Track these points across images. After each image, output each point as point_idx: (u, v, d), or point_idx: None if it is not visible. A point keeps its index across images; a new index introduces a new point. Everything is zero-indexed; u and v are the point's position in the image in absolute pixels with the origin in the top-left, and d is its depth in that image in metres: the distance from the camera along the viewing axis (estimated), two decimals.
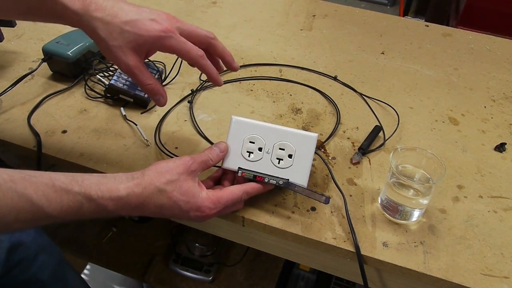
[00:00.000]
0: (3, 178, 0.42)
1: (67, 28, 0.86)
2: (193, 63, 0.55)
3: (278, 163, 0.54)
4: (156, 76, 0.75)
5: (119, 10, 0.50)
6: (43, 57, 0.75)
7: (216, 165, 0.56)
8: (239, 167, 0.55)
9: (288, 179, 0.54)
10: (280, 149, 0.54)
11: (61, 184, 0.44)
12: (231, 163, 0.55)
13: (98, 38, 0.51)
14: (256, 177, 0.54)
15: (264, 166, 0.55)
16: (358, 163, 0.65)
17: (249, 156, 0.55)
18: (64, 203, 0.44)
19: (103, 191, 0.46)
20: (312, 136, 0.54)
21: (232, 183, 0.56)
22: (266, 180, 0.54)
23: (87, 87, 0.75)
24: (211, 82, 0.58)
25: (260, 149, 0.55)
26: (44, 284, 0.71)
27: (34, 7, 0.52)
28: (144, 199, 0.48)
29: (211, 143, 0.67)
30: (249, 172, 0.55)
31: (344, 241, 0.54)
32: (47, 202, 0.43)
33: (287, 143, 0.54)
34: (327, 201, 0.54)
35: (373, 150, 0.67)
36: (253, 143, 0.55)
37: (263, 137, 0.55)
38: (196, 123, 0.70)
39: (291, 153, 0.54)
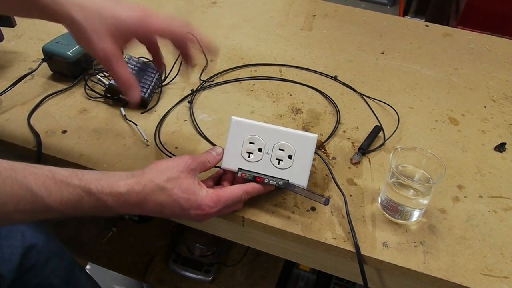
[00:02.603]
0: (4, 166, 0.42)
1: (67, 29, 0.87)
2: (180, 43, 0.53)
3: (278, 163, 0.54)
4: (156, 76, 0.75)
5: None
6: (43, 57, 0.75)
7: (216, 166, 0.56)
8: (239, 168, 0.55)
9: (288, 180, 0.54)
10: (280, 149, 0.54)
11: (61, 177, 0.44)
12: (231, 164, 0.55)
13: (73, 24, 0.49)
14: (256, 178, 0.54)
15: (264, 166, 0.55)
16: (358, 163, 0.65)
17: (249, 157, 0.55)
18: (64, 195, 0.44)
19: (103, 186, 0.46)
20: (312, 137, 0.54)
21: (232, 184, 0.56)
22: (266, 181, 0.54)
23: (87, 87, 0.75)
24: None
25: (260, 150, 0.55)
26: None
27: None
28: (144, 196, 0.47)
29: (211, 143, 0.67)
30: (249, 173, 0.55)
31: (344, 241, 0.54)
32: (47, 192, 0.43)
33: (287, 143, 0.54)
34: (326, 202, 0.54)
35: (373, 150, 0.67)
36: (253, 143, 0.55)
37: (263, 138, 0.55)
38: (196, 123, 0.70)
39: (291, 154, 0.54)
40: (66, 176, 0.45)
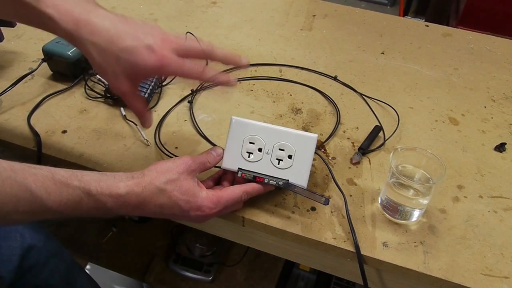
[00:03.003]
0: (3, 167, 0.42)
1: None
2: (198, 80, 0.54)
3: (278, 163, 0.54)
4: (156, 76, 0.75)
5: (115, 35, 0.49)
6: (43, 57, 0.75)
7: (216, 165, 0.56)
8: (239, 168, 0.55)
9: (288, 180, 0.54)
10: (280, 149, 0.54)
11: (61, 178, 0.44)
12: (231, 164, 0.55)
13: (92, 61, 0.50)
14: (256, 178, 0.54)
15: (264, 166, 0.55)
16: (358, 163, 0.65)
17: (249, 157, 0.55)
18: (63, 196, 0.44)
19: (102, 187, 0.46)
20: (312, 137, 0.54)
21: (232, 184, 0.56)
22: (266, 181, 0.54)
23: (87, 87, 0.75)
24: (225, 86, 0.55)
25: (260, 150, 0.55)
26: None
27: (26, 14, 0.51)
28: (144, 198, 0.48)
29: (211, 143, 0.67)
30: (249, 173, 0.55)
31: (344, 241, 0.54)
32: (46, 193, 0.43)
33: (287, 143, 0.54)
34: (326, 202, 0.54)
35: (373, 150, 0.67)
36: (253, 143, 0.55)
37: (263, 138, 0.55)
38: (196, 123, 0.70)
39: (291, 154, 0.54)
40: (65, 177, 0.45)
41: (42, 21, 0.49)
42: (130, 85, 0.51)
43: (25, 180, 0.42)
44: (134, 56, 0.49)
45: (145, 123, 0.56)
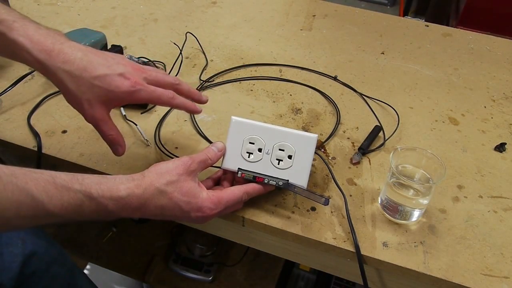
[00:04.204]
0: (4, 172, 0.42)
1: (67, 28, 0.87)
2: (166, 106, 0.57)
3: (278, 164, 0.54)
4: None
5: (88, 64, 0.50)
6: None
7: (216, 165, 0.56)
8: (238, 168, 0.55)
9: (287, 180, 0.54)
10: (279, 150, 0.54)
11: (62, 182, 0.44)
12: (231, 164, 0.55)
13: (65, 89, 0.51)
14: (256, 178, 0.54)
15: (264, 167, 0.55)
16: (358, 163, 0.65)
17: (249, 157, 0.55)
18: (64, 200, 0.44)
19: (103, 190, 0.46)
20: (312, 137, 0.54)
21: (232, 184, 0.56)
22: (265, 181, 0.54)
23: None
24: (191, 113, 0.60)
25: (260, 150, 0.55)
26: None
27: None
28: (145, 200, 0.48)
29: (211, 143, 0.67)
30: (249, 173, 0.55)
31: (344, 241, 0.54)
32: (48, 198, 0.43)
33: (286, 144, 0.54)
34: (326, 202, 0.54)
35: (373, 150, 0.67)
36: (253, 144, 0.55)
37: (262, 138, 0.55)
38: (196, 123, 0.70)
39: (290, 154, 0.54)
40: (66, 180, 0.45)
41: (14, 50, 0.51)
42: (104, 112, 0.53)
43: (26, 185, 0.42)
44: (107, 83, 0.51)
45: (118, 150, 0.56)
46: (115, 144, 0.56)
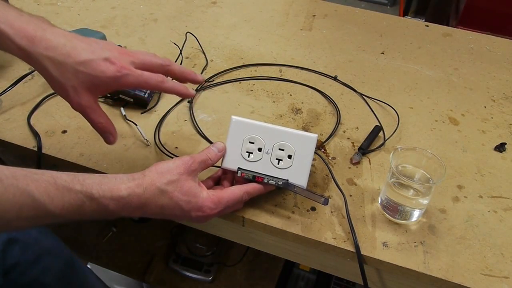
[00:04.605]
0: (5, 174, 0.42)
1: (67, 28, 0.87)
2: (156, 90, 0.55)
3: (278, 163, 0.54)
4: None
5: (71, 50, 0.49)
6: None
7: (216, 165, 0.56)
8: (238, 167, 0.55)
9: (287, 180, 0.54)
10: (279, 149, 0.54)
11: (62, 182, 0.44)
12: (231, 163, 0.55)
13: (49, 77, 0.50)
14: (255, 178, 0.54)
15: (264, 166, 0.55)
16: (358, 163, 0.65)
17: (248, 157, 0.55)
18: (65, 201, 0.44)
19: (104, 190, 0.46)
20: (312, 137, 0.54)
21: (232, 184, 0.56)
22: (265, 181, 0.54)
23: None
24: (183, 98, 0.56)
25: (259, 150, 0.55)
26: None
27: None
28: (145, 200, 0.48)
29: (211, 143, 0.67)
30: (249, 173, 0.55)
31: (344, 241, 0.54)
32: (49, 199, 0.43)
33: (286, 143, 0.54)
34: (326, 202, 0.54)
35: (373, 150, 0.67)
36: (253, 143, 0.55)
37: (262, 138, 0.55)
38: (196, 123, 0.70)
39: (290, 154, 0.54)
40: (67, 181, 0.45)
41: None
42: (91, 99, 0.51)
43: (27, 187, 0.42)
44: (92, 68, 0.49)
45: (109, 138, 0.55)
46: (106, 132, 0.54)
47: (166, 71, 0.55)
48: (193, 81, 0.57)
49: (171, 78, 0.55)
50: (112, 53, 0.51)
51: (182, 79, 0.57)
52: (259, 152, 0.55)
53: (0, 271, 0.63)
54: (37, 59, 0.49)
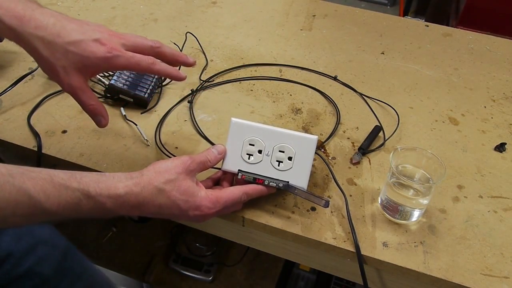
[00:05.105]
0: (1, 172, 0.42)
1: None
2: (147, 72, 0.54)
3: (278, 165, 0.54)
4: (156, 76, 0.75)
5: (61, 29, 0.49)
6: None
7: (216, 167, 0.56)
8: (239, 170, 0.55)
9: (288, 182, 0.54)
10: (280, 151, 0.54)
11: (59, 180, 0.44)
12: (231, 165, 0.55)
13: (39, 57, 0.49)
14: (256, 180, 0.54)
15: (264, 168, 0.55)
16: (358, 163, 0.65)
17: (249, 159, 0.55)
18: (62, 199, 0.44)
19: (101, 188, 0.46)
20: (312, 139, 0.54)
21: (231, 185, 0.56)
22: (266, 183, 0.54)
23: None
24: (174, 80, 0.56)
25: (260, 152, 0.55)
26: (45, 278, 0.68)
27: None
28: (143, 198, 0.48)
29: (211, 143, 0.67)
30: (249, 175, 0.54)
31: (344, 241, 0.54)
32: (45, 197, 0.43)
33: (286, 145, 0.54)
34: (326, 204, 0.54)
35: (373, 150, 0.67)
36: (253, 145, 0.55)
37: (262, 140, 0.55)
38: (196, 123, 0.70)
39: (291, 156, 0.54)
40: (64, 179, 0.45)
41: None
42: (81, 80, 0.51)
43: (23, 185, 0.42)
44: (82, 49, 0.49)
45: (101, 121, 0.54)
46: (97, 115, 0.54)
47: (157, 53, 0.54)
48: (185, 64, 0.57)
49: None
50: (103, 34, 0.50)
51: (173, 61, 0.56)
52: (259, 154, 0.55)
53: None
54: (27, 39, 0.49)
